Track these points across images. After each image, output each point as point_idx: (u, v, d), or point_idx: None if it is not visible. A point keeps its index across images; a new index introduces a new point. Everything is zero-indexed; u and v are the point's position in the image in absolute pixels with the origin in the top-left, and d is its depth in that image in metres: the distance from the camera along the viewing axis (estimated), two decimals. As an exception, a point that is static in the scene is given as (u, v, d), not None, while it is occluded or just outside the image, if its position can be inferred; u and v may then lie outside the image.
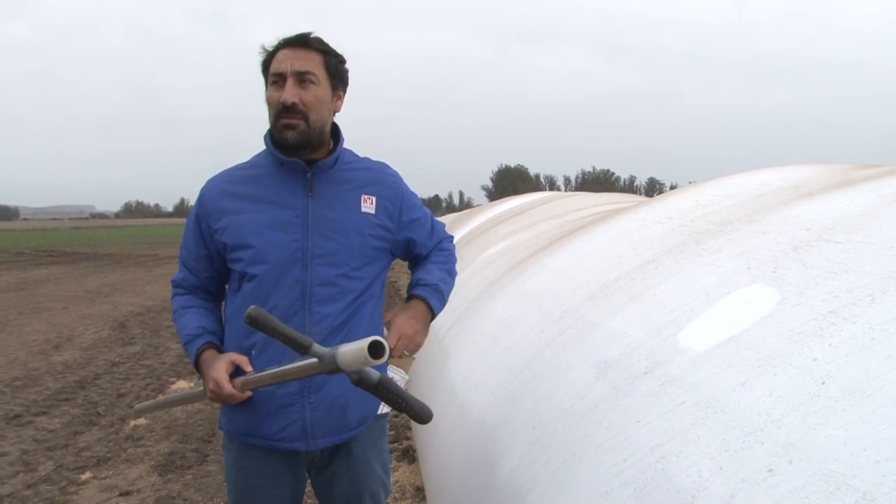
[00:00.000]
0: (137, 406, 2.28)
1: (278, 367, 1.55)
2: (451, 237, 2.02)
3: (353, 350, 1.35)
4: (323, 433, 1.70)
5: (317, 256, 1.67)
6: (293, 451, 1.71)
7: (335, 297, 1.67)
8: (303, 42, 1.66)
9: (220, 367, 1.61)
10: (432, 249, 1.93)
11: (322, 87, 1.66)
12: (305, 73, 1.63)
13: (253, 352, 1.67)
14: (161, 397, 2.21)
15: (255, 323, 1.37)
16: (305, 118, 1.64)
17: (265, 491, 1.75)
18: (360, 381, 1.45)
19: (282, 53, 1.65)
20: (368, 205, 1.74)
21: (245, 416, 1.70)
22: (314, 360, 1.42)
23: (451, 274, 1.92)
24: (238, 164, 1.81)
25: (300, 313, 1.65)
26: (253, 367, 1.64)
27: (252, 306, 1.39)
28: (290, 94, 1.62)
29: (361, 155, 1.88)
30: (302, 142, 1.65)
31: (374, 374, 1.44)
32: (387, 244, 1.79)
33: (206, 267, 1.78)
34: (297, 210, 1.68)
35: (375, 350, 1.31)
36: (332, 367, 1.40)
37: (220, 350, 1.71)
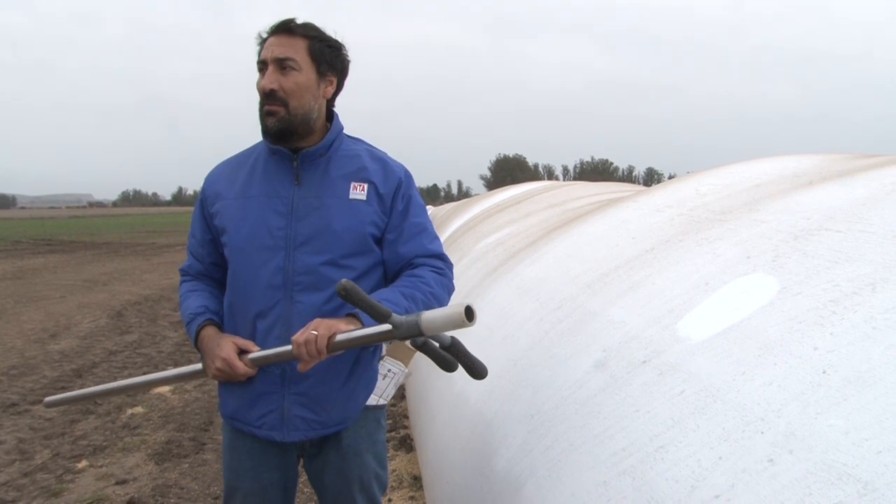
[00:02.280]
0: (48, 399, 2.00)
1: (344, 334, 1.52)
2: (442, 257, 1.78)
3: (446, 314, 1.40)
4: (297, 426, 1.68)
5: (299, 245, 1.65)
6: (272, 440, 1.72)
7: (318, 286, 1.64)
8: (286, 28, 1.65)
9: (228, 346, 1.61)
10: (404, 266, 1.74)
11: (304, 74, 1.64)
12: (285, 59, 1.62)
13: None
14: (90, 388, 2.06)
15: (346, 295, 1.38)
16: (285, 105, 1.62)
17: (256, 473, 1.76)
18: (425, 343, 1.50)
19: (268, 41, 1.65)
20: (359, 191, 1.70)
21: (232, 400, 1.73)
22: (387, 326, 1.44)
23: (411, 298, 1.61)
24: (240, 151, 1.84)
25: (282, 302, 1.64)
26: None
27: (343, 279, 1.39)
28: (268, 81, 1.61)
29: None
30: (281, 129, 1.63)
31: (448, 336, 1.51)
32: (380, 233, 1.75)
33: (211, 252, 1.80)
34: (284, 198, 1.68)
35: (469, 313, 1.37)
36: (411, 332, 1.43)
37: (221, 330, 1.72)
